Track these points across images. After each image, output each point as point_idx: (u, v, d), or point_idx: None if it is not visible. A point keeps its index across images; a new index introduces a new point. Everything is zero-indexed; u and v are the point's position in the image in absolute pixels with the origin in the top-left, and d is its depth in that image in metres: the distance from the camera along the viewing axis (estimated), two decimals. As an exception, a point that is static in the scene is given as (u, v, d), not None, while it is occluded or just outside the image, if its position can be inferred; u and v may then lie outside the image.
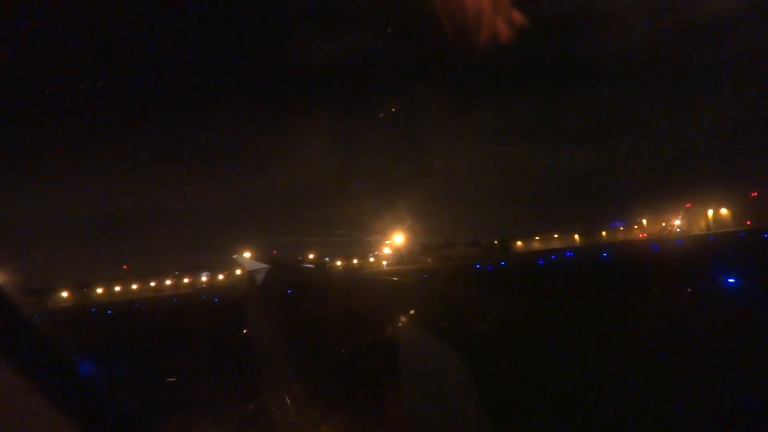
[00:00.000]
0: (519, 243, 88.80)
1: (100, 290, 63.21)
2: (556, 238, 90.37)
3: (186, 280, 66.24)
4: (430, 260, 68.40)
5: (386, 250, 70.34)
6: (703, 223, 72.53)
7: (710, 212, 71.06)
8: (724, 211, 70.04)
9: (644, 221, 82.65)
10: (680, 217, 78.28)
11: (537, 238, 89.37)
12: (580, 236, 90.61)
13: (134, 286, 64.93)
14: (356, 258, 71.37)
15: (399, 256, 68.51)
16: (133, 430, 1.81)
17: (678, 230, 75.99)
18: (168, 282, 65.52)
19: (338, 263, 70.11)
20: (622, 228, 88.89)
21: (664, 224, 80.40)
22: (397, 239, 60.93)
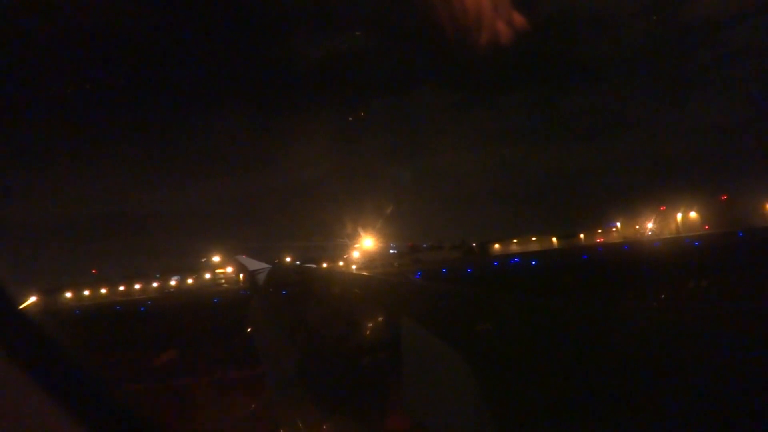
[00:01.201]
0: (497, 246, 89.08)
1: (69, 294, 63.63)
2: (534, 240, 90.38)
3: (155, 285, 66.60)
4: (396, 264, 68.50)
5: (356, 254, 70.68)
6: (673, 227, 72.43)
7: (679, 216, 70.96)
8: (693, 214, 69.93)
9: (618, 224, 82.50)
10: (653, 220, 78.13)
11: (515, 240, 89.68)
12: (559, 239, 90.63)
13: (103, 291, 65.26)
14: (326, 261, 71.63)
15: (369, 260, 68.65)
16: (137, 428, 1.83)
17: (650, 233, 75.90)
18: (137, 286, 65.85)
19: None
20: (600, 231, 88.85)
21: (638, 227, 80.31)
22: (367, 243, 61.27)
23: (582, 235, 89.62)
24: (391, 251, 78.48)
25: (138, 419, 1.78)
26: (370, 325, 5.13)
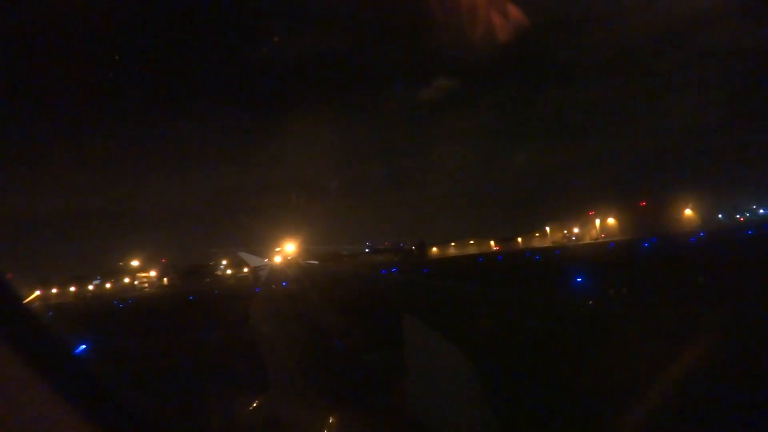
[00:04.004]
0: (435, 249, 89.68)
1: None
2: (471, 244, 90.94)
3: (72, 289, 66.25)
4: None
5: (277, 259, 70.58)
6: (594, 233, 73.28)
7: (598, 222, 71.84)
8: (611, 220, 70.81)
9: (548, 229, 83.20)
10: (579, 225, 78.88)
11: (452, 244, 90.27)
12: (497, 243, 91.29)
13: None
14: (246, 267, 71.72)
15: (290, 264, 68.79)
16: (139, 425, 1.85)
17: (573, 239, 76.66)
18: (54, 290, 65.40)
19: (229, 272, 71.02)
20: (537, 234, 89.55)
21: (565, 232, 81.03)
22: (289, 248, 61.48)
23: (520, 239, 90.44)
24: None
25: (138, 418, 1.87)
26: (374, 322, 5.12)
